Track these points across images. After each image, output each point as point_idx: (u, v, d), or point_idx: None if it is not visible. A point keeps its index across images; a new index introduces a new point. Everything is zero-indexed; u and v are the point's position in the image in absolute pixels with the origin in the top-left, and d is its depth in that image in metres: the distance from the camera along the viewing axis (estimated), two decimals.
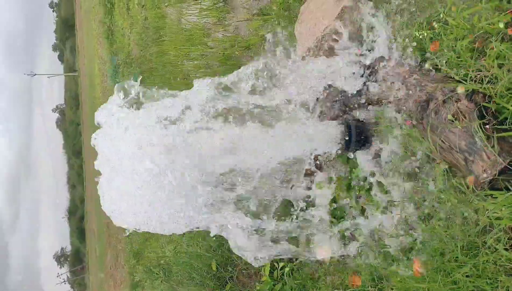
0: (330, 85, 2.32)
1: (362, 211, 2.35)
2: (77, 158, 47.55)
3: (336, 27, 2.28)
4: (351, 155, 2.37)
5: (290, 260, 2.94)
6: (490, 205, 1.50)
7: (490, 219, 1.57)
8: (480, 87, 1.62)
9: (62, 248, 65.39)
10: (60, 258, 64.69)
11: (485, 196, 1.56)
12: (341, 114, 2.41)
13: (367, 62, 2.20)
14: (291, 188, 2.42)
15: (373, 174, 2.26)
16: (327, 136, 2.35)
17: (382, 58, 2.14)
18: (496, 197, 1.51)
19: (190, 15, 5.62)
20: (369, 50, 2.18)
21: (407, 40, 2.00)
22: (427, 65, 1.95)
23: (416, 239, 2.00)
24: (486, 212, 1.53)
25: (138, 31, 8.72)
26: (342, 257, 2.41)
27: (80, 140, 39.57)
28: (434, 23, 1.76)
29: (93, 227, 22.21)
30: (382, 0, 2.18)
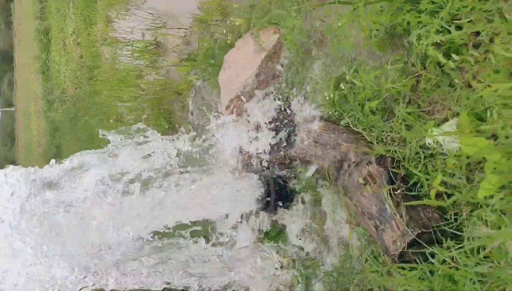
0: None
1: None
2: None
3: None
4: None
5: None
6: (401, 280, 1.41)
7: None
8: (388, 151, 1.56)
9: None
10: None
11: (397, 268, 1.46)
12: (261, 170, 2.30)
13: (281, 117, 2.12)
14: None
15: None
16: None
17: (296, 115, 2.07)
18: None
19: (124, 56, 5.48)
20: (285, 109, 2.11)
21: (320, 97, 1.94)
22: (342, 124, 1.89)
23: None
24: (399, 286, 1.44)
25: (73, 68, 8.42)
26: None
27: None
28: (341, 85, 1.71)
29: None
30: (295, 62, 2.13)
